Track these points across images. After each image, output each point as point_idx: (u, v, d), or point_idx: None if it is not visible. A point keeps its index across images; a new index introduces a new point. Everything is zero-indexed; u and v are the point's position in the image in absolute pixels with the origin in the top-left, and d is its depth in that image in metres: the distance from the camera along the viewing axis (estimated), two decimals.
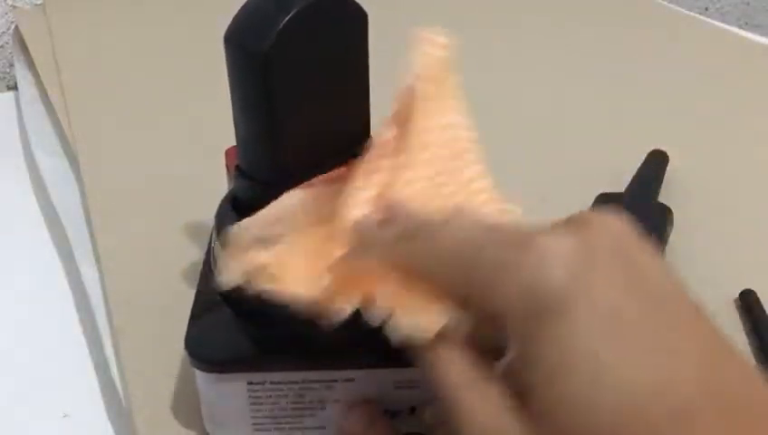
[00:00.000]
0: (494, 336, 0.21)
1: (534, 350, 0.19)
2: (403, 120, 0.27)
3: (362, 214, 0.25)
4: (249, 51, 0.26)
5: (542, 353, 0.19)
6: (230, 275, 0.25)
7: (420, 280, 0.23)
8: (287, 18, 0.25)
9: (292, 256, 0.25)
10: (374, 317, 0.23)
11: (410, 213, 0.25)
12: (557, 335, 0.19)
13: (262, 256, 0.25)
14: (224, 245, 0.27)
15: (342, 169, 0.28)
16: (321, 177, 0.28)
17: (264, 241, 0.26)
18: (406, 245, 0.23)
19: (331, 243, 0.25)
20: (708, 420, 0.18)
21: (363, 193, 0.26)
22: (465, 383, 0.21)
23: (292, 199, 0.27)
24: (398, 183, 0.26)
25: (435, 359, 0.22)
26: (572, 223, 0.21)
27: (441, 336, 0.22)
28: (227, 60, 0.27)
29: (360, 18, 0.28)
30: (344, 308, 0.24)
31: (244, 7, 0.27)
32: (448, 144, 0.28)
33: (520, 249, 0.21)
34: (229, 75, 0.27)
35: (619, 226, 0.21)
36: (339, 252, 0.25)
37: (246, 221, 0.26)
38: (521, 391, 0.20)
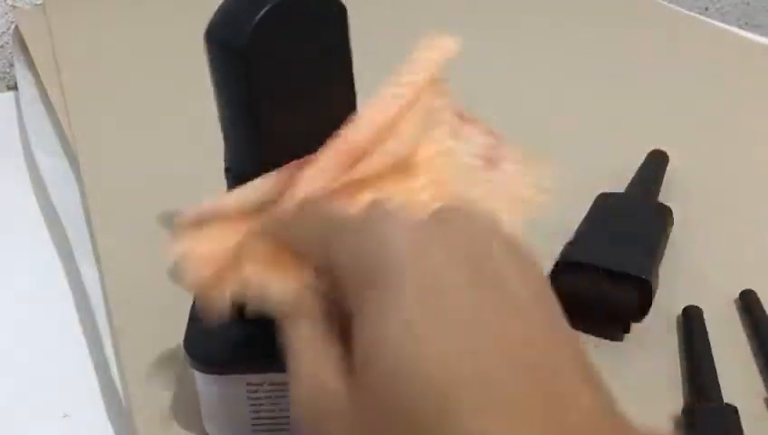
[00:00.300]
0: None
1: (360, 316, 0.20)
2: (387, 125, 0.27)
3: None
4: (226, 46, 0.26)
5: (364, 321, 0.19)
6: (167, 255, 0.26)
7: (286, 255, 0.24)
8: (262, 12, 0.25)
9: (205, 241, 0.26)
10: (248, 297, 0.24)
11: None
12: (378, 301, 0.19)
13: (183, 242, 0.26)
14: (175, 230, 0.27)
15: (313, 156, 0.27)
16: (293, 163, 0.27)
17: (199, 226, 0.27)
18: (283, 228, 0.25)
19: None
20: (508, 388, 0.18)
21: (313, 181, 0.26)
22: (302, 337, 0.22)
23: (252, 187, 0.27)
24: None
25: (285, 316, 0.23)
26: (433, 212, 0.22)
27: (297, 306, 0.23)
28: (208, 58, 0.27)
29: (339, 12, 0.27)
30: (224, 295, 0.25)
31: (222, 4, 0.27)
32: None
33: (370, 221, 0.22)
34: (210, 74, 0.27)
35: (475, 218, 0.22)
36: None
37: (197, 205, 0.27)
38: (350, 352, 0.20)
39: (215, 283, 0.25)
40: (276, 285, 0.24)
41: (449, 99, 0.29)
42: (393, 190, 0.27)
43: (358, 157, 0.27)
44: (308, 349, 0.22)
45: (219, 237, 0.26)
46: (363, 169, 0.26)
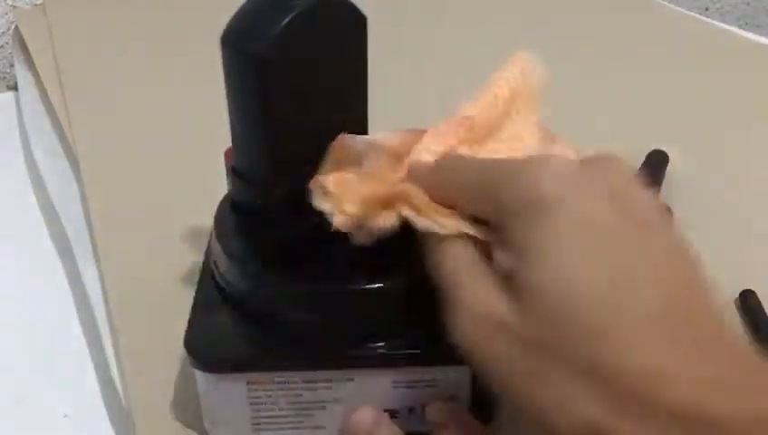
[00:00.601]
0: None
1: (521, 244, 0.22)
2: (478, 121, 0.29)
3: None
4: (246, 54, 0.26)
5: (526, 248, 0.22)
6: (320, 180, 0.27)
7: (445, 204, 0.26)
8: (285, 22, 0.25)
9: (352, 182, 0.27)
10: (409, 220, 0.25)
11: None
12: (540, 234, 0.22)
13: (329, 177, 0.27)
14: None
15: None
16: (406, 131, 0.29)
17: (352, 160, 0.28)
18: (437, 173, 0.27)
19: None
20: (660, 326, 0.20)
21: (430, 145, 0.28)
22: (461, 268, 0.24)
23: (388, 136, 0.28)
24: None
25: (441, 249, 0.25)
26: (585, 158, 0.24)
27: (455, 239, 0.25)
28: (224, 62, 0.27)
29: (359, 22, 0.28)
30: (385, 220, 0.26)
31: (241, 9, 0.27)
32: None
33: (528, 162, 0.24)
34: (225, 77, 0.27)
35: (625, 166, 0.24)
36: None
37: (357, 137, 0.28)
38: (511, 281, 0.22)
39: (368, 211, 0.26)
40: (435, 217, 0.25)
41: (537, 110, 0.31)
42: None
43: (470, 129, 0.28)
44: (470, 276, 0.24)
45: (367, 180, 0.27)
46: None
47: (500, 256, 0.23)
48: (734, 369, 0.20)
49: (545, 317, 0.21)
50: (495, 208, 0.24)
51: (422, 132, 0.29)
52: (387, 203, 0.26)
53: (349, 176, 0.27)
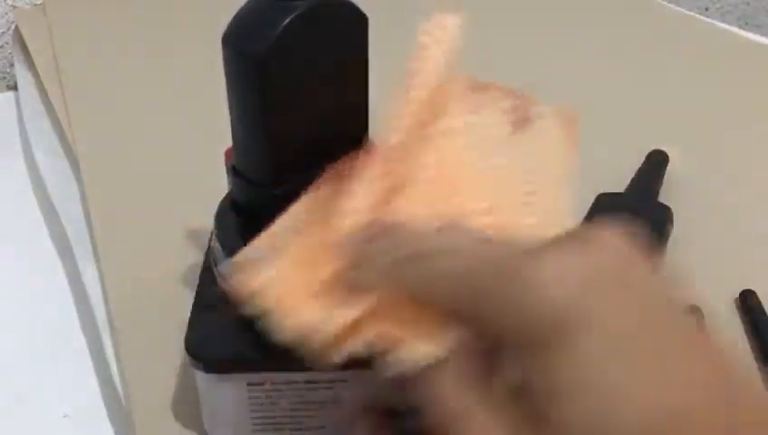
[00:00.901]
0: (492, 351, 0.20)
1: (544, 378, 0.19)
2: (411, 124, 0.27)
3: (354, 223, 0.25)
4: (247, 54, 0.25)
5: (552, 381, 0.18)
6: (244, 303, 0.24)
7: (417, 302, 0.22)
8: (285, 22, 0.25)
9: (289, 268, 0.24)
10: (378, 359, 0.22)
11: (402, 229, 0.24)
12: (567, 363, 0.18)
13: (261, 277, 0.24)
14: (230, 274, 0.26)
15: (347, 165, 0.27)
16: (327, 173, 0.27)
17: (266, 259, 0.25)
18: (402, 268, 0.23)
19: (325, 251, 0.24)
20: None
21: (358, 200, 0.25)
22: (466, 411, 0.20)
23: (296, 209, 0.26)
24: (397, 199, 0.25)
25: (433, 387, 0.21)
26: (573, 240, 0.21)
27: (440, 364, 0.21)
28: (225, 62, 0.27)
29: (360, 22, 0.27)
30: (348, 351, 0.23)
31: (242, 9, 0.27)
32: (454, 154, 0.27)
33: (521, 271, 0.20)
34: (226, 77, 0.27)
35: (620, 243, 0.20)
36: (331, 264, 0.24)
37: (248, 248, 0.25)
38: (528, 416, 0.19)
39: (333, 341, 0.23)
40: (416, 347, 0.21)
41: (459, 75, 0.28)
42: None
43: (392, 163, 0.26)
44: (473, 417, 0.20)
45: (300, 259, 0.24)
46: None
47: (510, 383, 0.20)
48: None
49: None
50: (494, 328, 0.20)
51: (341, 176, 0.26)
52: (347, 332, 0.23)
53: (284, 264, 0.24)
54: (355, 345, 0.23)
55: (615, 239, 0.20)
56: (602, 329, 0.19)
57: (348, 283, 0.24)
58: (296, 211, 0.26)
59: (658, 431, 0.17)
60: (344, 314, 0.23)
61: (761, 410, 0.19)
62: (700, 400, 0.18)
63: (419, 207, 0.26)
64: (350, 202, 0.25)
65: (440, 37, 0.28)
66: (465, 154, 0.27)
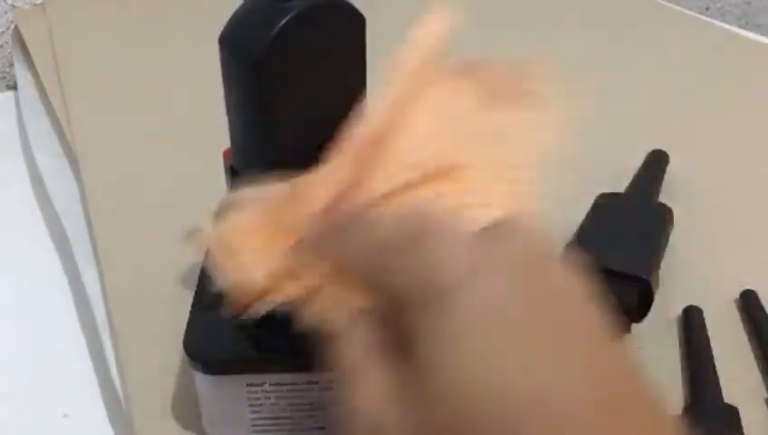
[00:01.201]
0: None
1: (422, 339, 0.19)
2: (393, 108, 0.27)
3: (318, 208, 0.25)
4: (244, 55, 0.25)
5: (427, 345, 0.19)
6: (201, 242, 0.26)
7: (344, 274, 0.23)
8: (282, 22, 0.25)
9: (249, 230, 0.25)
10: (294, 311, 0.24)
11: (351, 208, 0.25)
12: (443, 328, 0.19)
13: (225, 224, 0.25)
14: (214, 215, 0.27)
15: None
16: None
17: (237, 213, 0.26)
18: (336, 236, 0.24)
19: (283, 228, 0.25)
20: (588, 429, 0.18)
21: (323, 189, 0.26)
22: (357, 366, 0.21)
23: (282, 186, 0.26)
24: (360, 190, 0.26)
25: (339, 343, 0.22)
26: (485, 228, 0.22)
27: (349, 324, 0.22)
28: (222, 63, 0.26)
29: (358, 22, 0.27)
30: (270, 303, 0.24)
31: (239, 10, 0.27)
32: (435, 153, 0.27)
33: (423, 239, 0.21)
34: (223, 78, 0.27)
35: (529, 236, 0.21)
36: (288, 238, 0.25)
37: (233, 194, 0.26)
38: (410, 380, 0.20)
39: (259, 291, 0.24)
40: (328, 302, 0.23)
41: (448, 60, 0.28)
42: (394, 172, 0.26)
43: (369, 152, 0.26)
44: (366, 377, 0.21)
45: (256, 242, 0.25)
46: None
47: (401, 353, 0.20)
48: None
49: (446, 418, 0.18)
50: (390, 290, 0.21)
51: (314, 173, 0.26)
52: (276, 281, 0.24)
53: (240, 235, 0.25)
54: (277, 298, 0.24)
55: (524, 230, 0.22)
56: (483, 299, 0.19)
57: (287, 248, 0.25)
58: (280, 187, 0.26)
59: (521, 414, 0.18)
60: (272, 266, 0.24)
61: (639, 410, 0.19)
62: (563, 388, 0.18)
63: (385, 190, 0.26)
64: (316, 188, 0.26)
65: (427, 38, 0.28)
66: (437, 133, 0.27)
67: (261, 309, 0.24)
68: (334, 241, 0.24)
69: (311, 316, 0.23)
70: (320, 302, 0.23)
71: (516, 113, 0.28)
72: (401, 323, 0.20)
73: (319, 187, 0.26)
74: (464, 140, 0.27)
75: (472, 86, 0.29)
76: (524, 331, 0.19)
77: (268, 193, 0.26)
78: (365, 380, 0.21)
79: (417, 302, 0.20)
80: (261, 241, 0.25)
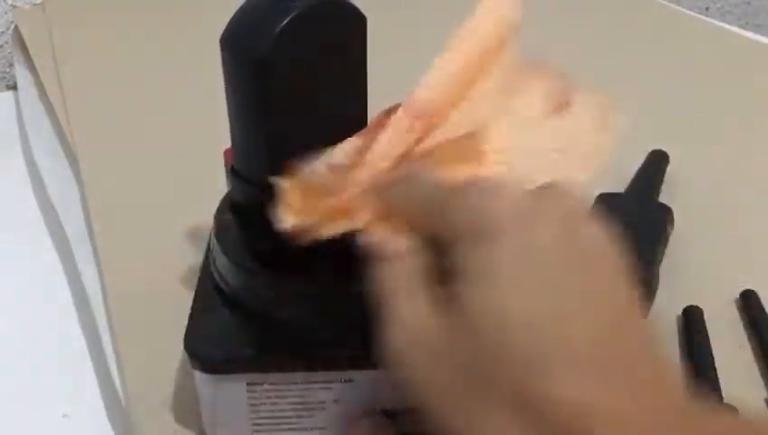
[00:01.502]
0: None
1: (464, 264, 0.22)
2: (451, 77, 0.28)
3: (374, 174, 0.27)
4: (245, 55, 0.25)
5: (469, 268, 0.22)
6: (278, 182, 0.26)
7: (399, 218, 0.25)
8: (284, 23, 0.25)
9: (308, 186, 0.26)
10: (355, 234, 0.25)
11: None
12: (483, 256, 0.22)
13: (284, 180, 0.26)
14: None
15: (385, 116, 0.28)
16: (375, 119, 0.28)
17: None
18: (392, 191, 0.26)
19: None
20: (590, 365, 0.20)
21: (382, 152, 0.27)
22: (402, 287, 0.24)
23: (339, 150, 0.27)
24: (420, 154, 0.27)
25: (383, 266, 0.25)
26: (538, 188, 0.24)
27: (397, 255, 0.25)
28: (223, 63, 0.27)
29: (359, 22, 0.27)
30: (331, 231, 0.25)
31: (240, 10, 0.27)
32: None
33: (482, 190, 0.24)
34: (225, 78, 0.27)
35: (575, 202, 0.24)
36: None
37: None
38: (451, 299, 0.22)
39: (317, 218, 0.25)
40: (380, 233, 0.25)
41: (508, 54, 0.29)
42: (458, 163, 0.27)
43: (428, 118, 0.27)
44: (409, 295, 0.23)
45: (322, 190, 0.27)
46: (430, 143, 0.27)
47: (445, 278, 0.23)
48: (662, 411, 0.20)
49: (478, 343, 0.21)
50: (444, 229, 0.23)
51: (377, 131, 0.27)
52: (336, 214, 0.26)
53: (305, 183, 0.26)
54: (337, 227, 0.25)
55: (569, 196, 0.24)
56: (524, 242, 0.22)
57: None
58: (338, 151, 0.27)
59: (539, 343, 0.20)
60: (332, 200, 0.26)
61: (639, 360, 0.21)
62: (585, 331, 0.20)
63: (440, 165, 0.27)
64: (375, 153, 0.27)
65: (494, 8, 0.29)
66: (496, 124, 0.29)
67: (318, 235, 0.25)
68: (399, 186, 0.26)
69: (362, 242, 0.25)
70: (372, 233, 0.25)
71: (566, 120, 0.30)
72: (447, 257, 0.23)
73: (371, 157, 0.27)
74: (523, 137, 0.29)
75: (529, 89, 0.30)
76: (557, 278, 0.21)
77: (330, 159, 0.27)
78: (410, 298, 0.23)
79: (466, 237, 0.22)
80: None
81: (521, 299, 0.21)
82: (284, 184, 0.26)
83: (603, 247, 0.23)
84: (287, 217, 0.25)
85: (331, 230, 0.25)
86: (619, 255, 0.23)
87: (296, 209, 0.26)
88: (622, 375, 0.20)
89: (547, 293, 0.21)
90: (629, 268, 0.23)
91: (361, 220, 0.26)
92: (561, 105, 0.30)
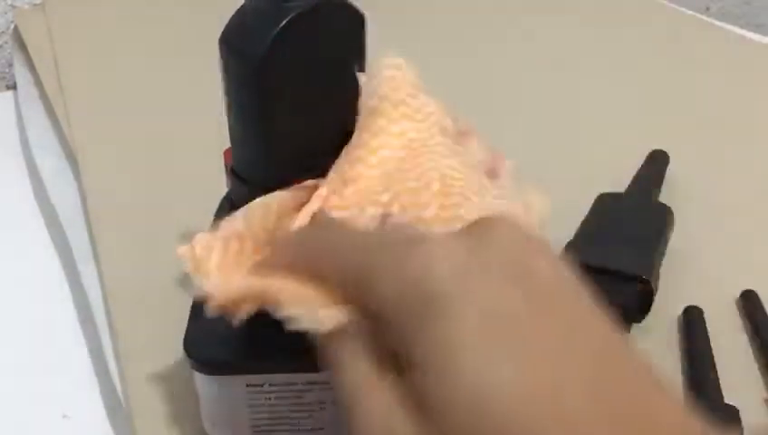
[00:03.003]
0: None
1: (419, 351, 0.18)
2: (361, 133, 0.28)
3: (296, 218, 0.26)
4: (245, 54, 0.25)
5: (426, 355, 0.18)
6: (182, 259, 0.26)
7: (316, 280, 0.22)
8: (284, 22, 0.25)
9: (217, 245, 0.26)
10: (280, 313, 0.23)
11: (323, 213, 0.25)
12: (440, 336, 0.18)
13: (196, 241, 0.25)
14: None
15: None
16: (307, 183, 0.27)
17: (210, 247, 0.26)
18: (304, 235, 0.24)
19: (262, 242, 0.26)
20: (595, 429, 0.17)
21: (309, 207, 0.26)
22: (356, 379, 0.20)
23: (264, 199, 0.27)
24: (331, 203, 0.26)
25: (335, 357, 0.21)
26: (469, 228, 0.21)
27: (341, 335, 0.21)
28: (222, 62, 0.27)
29: (358, 21, 0.27)
30: (249, 308, 0.24)
31: (239, 10, 0.27)
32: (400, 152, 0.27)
33: (407, 246, 0.20)
34: (224, 77, 0.27)
35: (514, 231, 0.21)
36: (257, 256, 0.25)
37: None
38: (412, 394, 0.19)
39: (240, 299, 0.24)
40: (315, 310, 0.22)
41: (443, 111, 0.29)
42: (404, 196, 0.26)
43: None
44: (366, 390, 0.20)
45: (237, 257, 0.26)
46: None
47: (396, 362, 0.20)
48: None
49: (454, 425, 0.17)
50: (375, 300, 0.20)
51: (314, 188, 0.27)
52: (255, 296, 0.23)
53: (218, 248, 0.25)
54: (254, 306, 0.23)
55: (511, 226, 0.21)
56: (479, 300, 0.18)
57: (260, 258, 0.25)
58: (258, 203, 0.27)
59: (527, 413, 0.17)
60: (246, 279, 0.24)
61: (646, 404, 0.18)
62: (574, 383, 0.17)
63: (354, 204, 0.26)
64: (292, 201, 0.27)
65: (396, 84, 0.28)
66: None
67: (240, 315, 0.24)
68: (313, 239, 0.24)
69: (294, 322, 0.22)
70: (300, 308, 0.22)
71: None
72: (390, 330, 0.20)
73: (294, 200, 0.26)
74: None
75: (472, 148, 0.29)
76: (526, 329, 0.18)
77: (246, 211, 0.26)
78: (368, 395, 0.20)
79: (407, 310, 0.19)
80: (237, 250, 0.26)
81: (494, 373, 0.17)
82: (195, 243, 0.25)
83: (564, 280, 0.20)
84: (204, 281, 0.24)
85: (251, 306, 0.23)
86: (576, 275, 0.20)
87: (211, 269, 0.25)
88: (638, 427, 0.17)
89: (517, 351, 0.18)
90: (587, 286, 0.20)
91: (281, 285, 0.23)
92: (491, 172, 0.29)
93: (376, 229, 0.24)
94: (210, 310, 0.24)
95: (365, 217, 0.25)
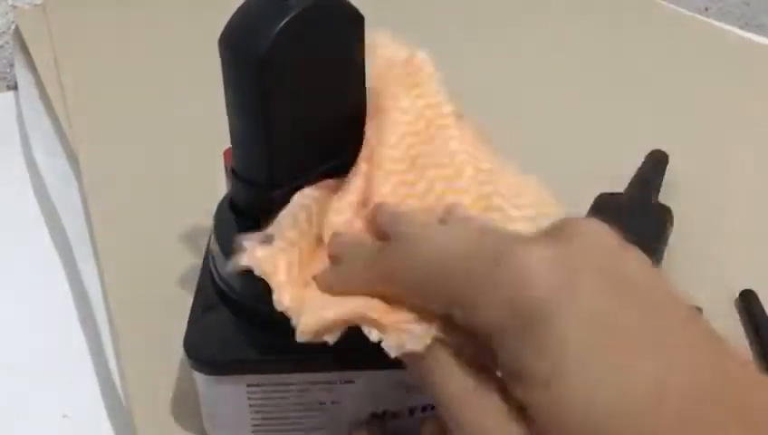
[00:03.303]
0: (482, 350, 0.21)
1: (526, 363, 0.19)
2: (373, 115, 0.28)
3: (342, 220, 0.26)
4: (245, 54, 0.25)
5: (533, 366, 0.19)
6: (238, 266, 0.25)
7: (401, 297, 0.23)
8: (283, 22, 0.25)
9: (284, 255, 0.26)
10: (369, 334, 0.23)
11: (393, 216, 0.25)
12: (546, 346, 0.18)
13: (258, 252, 0.25)
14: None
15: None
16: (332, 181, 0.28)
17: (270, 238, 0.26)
18: (385, 258, 0.24)
19: (321, 248, 0.26)
20: (708, 425, 0.17)
21: (345, 197, 0.27)
22: (464, 393, 0.21)
23: (302, 199, 0.27)
24: (373, 186, 0.27)
25: (430, 371, 0.22)
26: (555, 231, 0.21)
27: (434, 349, 0.22)
28: (222, 62, 0.27)
29: (357, 21, 0.27)
30: (338, 332, 0.24)
31: (239, 10, 0.27)
32: (416, 122, 0.28)
33: (499, 263, 0.20)
34: (224, 78, 0.27)
35: (603, 233, 0.21)
36: (324, 262, 0.26)
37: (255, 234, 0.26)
38: (518, 404, 0.19)
39: (335, 326, 0.24)
40: (404, 330, 0.22)
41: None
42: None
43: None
44: (473, 400, 0.20)
45: (297, 250, 0.26)
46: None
47: (501, 376, 0.20)
48: None
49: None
50: (469, 318, 0.20)
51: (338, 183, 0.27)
52: (345, 321, 0.24)
53: (280, 249, 0.25)
54: (339, 332, 0.24)
55: (596, 229, 0.21)
56: (578, 313, 0.18)
57: (330, 279, 0.25)
58: (298, 203, 0.27)
59: (639, 414, 0.17)
60: (333, 310, 0.24)
61: (755, 397, 0.18)
62: (682, 382, 0.18)
63: (395, 194, 0.27)
64: (338, 199, 0.27)
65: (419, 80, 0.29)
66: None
67: (332, 338, 0.24)
68: (391, 257, 0.23)
69: (395, 347, 0.22)
70: (398, 329, 0.22)
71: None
72: (490, 346, 0.20)
73: (338, 204, 0.27)
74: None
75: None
76: (629, 337, 0.18)
77: (290, 218, 0.27)
78: (477, 403, 0.20)
79: (508, 327, 0.19)
80: (298, 260, 0.26)
81: (610, 379, 0.18)
82: (284, 294, 0.25)
83: (658, 283, 0.20)
84: (283, 296, 0.24)
85: (342, 329, 0.24)
86: (669, 284, 0.20)
87: (282, 284, 0.25)
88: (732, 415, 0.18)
89: (633, 361, 0.18)
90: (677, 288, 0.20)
91: (368, 325, 0.23)
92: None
93: (446, 230, 0.24)
94: (299, 336, 0.24)
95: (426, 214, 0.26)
